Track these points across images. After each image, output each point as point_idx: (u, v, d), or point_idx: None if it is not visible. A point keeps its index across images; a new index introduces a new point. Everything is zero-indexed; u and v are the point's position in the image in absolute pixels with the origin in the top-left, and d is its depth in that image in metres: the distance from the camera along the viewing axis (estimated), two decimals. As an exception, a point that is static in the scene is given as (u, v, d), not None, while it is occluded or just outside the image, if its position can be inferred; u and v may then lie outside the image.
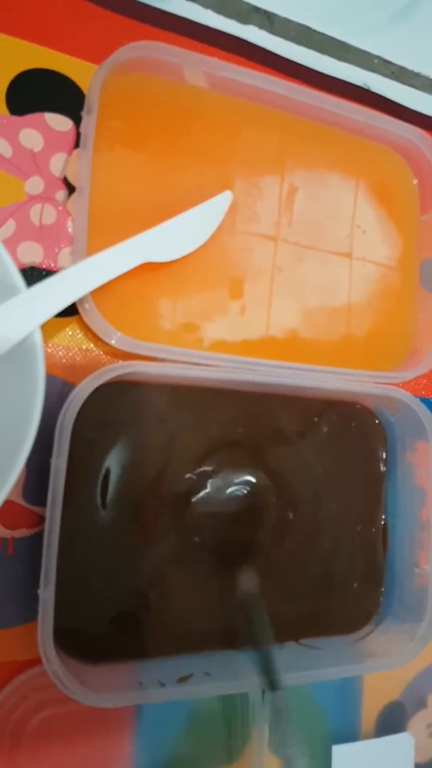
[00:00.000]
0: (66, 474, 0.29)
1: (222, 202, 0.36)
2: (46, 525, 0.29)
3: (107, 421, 0.33)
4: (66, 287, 0.29)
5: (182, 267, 0.35)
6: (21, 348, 0.27)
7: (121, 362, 0.32)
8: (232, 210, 0.36)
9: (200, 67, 0.35)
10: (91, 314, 0.32)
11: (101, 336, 0.32)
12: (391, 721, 0.41)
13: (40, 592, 0.28)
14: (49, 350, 0.33)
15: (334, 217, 0.40)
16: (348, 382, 0.37)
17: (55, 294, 0.28)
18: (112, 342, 0.32)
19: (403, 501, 0.40)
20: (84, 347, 0.34)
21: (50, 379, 0.32)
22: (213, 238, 0.35)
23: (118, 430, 0.33)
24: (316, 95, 0.38)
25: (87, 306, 0.32)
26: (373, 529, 0.40)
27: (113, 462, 0.33)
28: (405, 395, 0.38)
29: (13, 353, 0.27)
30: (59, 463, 0.29)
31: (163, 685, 0.31)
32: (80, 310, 0.33)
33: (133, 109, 0.35)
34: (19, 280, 0.27)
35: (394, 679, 0.41)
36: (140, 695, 0.31)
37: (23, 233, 0.33)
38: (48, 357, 0.33)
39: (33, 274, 0.33)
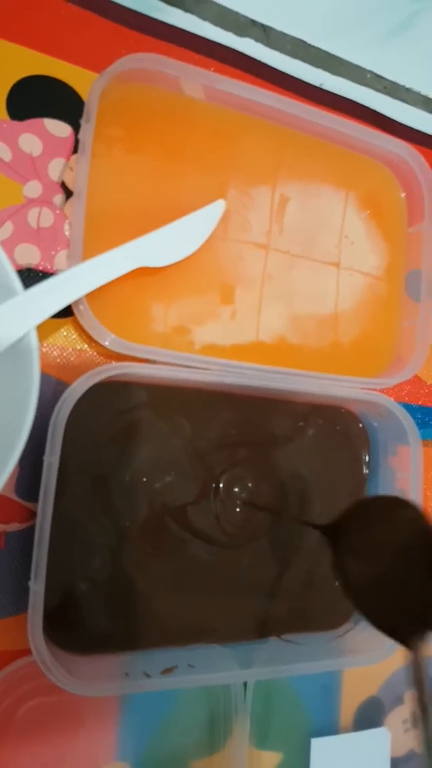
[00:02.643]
0: (58, 470, 0.30)
1: (215, 210, 0.37)
2: (38, 519, 0.30)
3: (99, 421, 0.34)
4: (62, 290, 0.30)
5: (175, 272, 0.36)
6: (17, 347, 0.28)
7: (114, 363, 0.33)
8: (225, 218, 0.37)
9: (197, 80, 0.36)
10: (85, 316, 0.33)
11: (95, 337, 0.33)
12: (369, 716, 0.42)
13: (31, 584, 0.29)
14: (44, 350, 0.34)
15: (323, 228, 0.41)
16: (334, 387, 0.38)
17: (51, 296, 0.29)
18: (106, 343, 0.33)
19: (384, 503, 0.41)
20: (78, 348, 0.35)
21: (45, 377, 0.33)
22: (206, 245, 0.36)
23: (110, 429, 0.34)
24: (309, 109, 0.39)
25: (82, 308, 0.33)
26: (355, 530, 0.41)
27: (104, 460, 0.34)
28: (388, 401, 0.39)
29: (9, 352, 0.28)
30: (52, 459, 0.30)
31: (148, 676, 0.32)
32: (75, 311, 0.33)
33: (131, 118, 0.36)
34: (16, 282, 0.28)
35: (373, 676, 0.42)
36: (126, 685, 0.32)
37: (21, 235, 0.34)
38: (43, 356, 0.33)
39: (30, 276, 0.34)
